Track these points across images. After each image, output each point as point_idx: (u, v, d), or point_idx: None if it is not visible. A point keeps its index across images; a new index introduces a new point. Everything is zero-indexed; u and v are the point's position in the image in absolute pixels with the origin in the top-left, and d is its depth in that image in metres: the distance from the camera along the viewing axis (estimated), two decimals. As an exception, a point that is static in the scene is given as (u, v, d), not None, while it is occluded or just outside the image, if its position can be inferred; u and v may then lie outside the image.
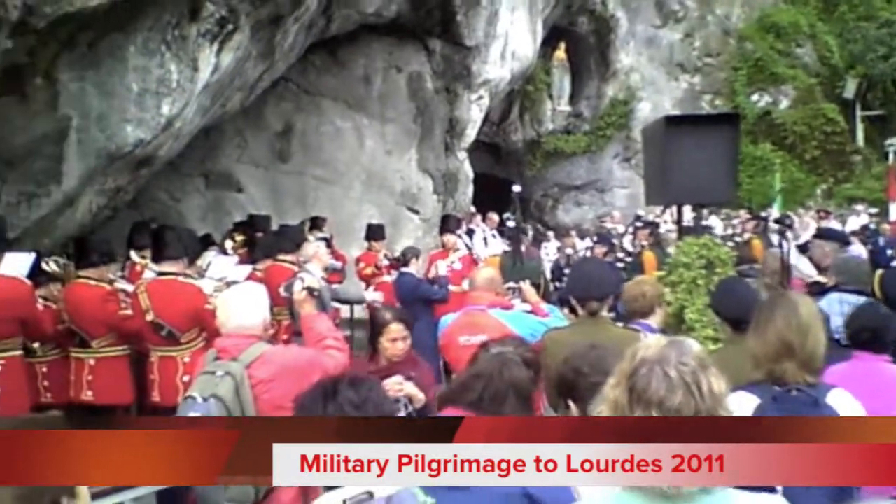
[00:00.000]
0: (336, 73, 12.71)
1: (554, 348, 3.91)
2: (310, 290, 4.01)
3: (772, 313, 2.86)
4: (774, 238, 9.17)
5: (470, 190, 14.23)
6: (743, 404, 2.65)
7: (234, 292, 3.66)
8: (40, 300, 5.92)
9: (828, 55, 19.92)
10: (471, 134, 14.10)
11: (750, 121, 18.01)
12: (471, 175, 14.26)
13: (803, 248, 6.75)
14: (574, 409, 2.71)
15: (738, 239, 10.41)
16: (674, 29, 19.76)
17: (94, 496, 1.81)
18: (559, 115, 18.81)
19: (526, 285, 5.28)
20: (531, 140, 18.71)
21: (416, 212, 13.19)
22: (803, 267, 6.33)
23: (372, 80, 12.92)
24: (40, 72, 6.44)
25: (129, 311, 5.80)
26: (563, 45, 18.44)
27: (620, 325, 4.34)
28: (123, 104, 6.90)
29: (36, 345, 5.88)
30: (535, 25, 15.18)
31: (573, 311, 4.49)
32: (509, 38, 13.90)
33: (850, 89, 19.70)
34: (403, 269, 8.40)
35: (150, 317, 5.44)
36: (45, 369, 6.03)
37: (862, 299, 4.43)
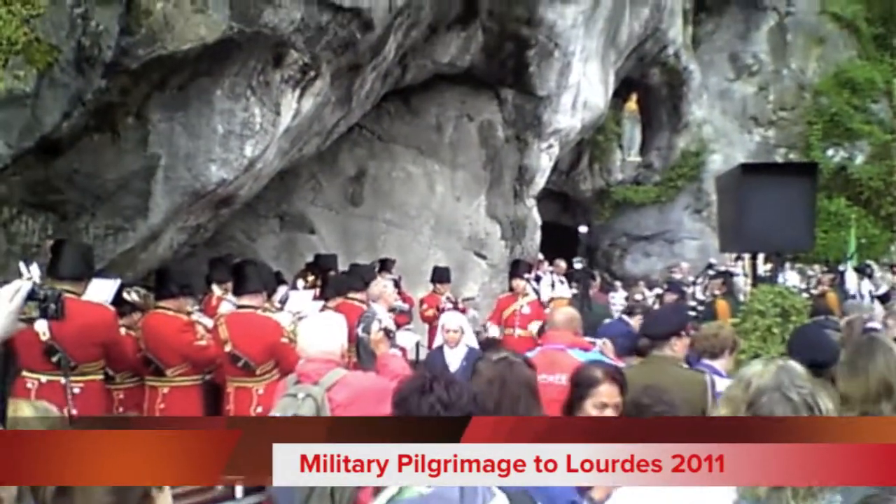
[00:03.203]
0: (409, 120, 12.99)
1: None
2: (386, 331, 4.15)
3: (872, 355, 2.84)
4: (851, 290, 8.99)
5: (538, 237, 14.27)
6: None
7: (314, 320, 3.78)
8: (123, 329, 6.15)
9: (903, 111, 19.55)
10: (540, 182, 14.20)
11: (825, 176, 17.66)
12: (539, 222, 14.32)
13: (884, 298, 6.61)
14: None
15: (813, 291, 10.21)
16: (747, 82, 19.63)
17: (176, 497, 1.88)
18: (629, 166, 18.76)
19: (608, 345, 5.28)
20: (600, 189, 18.67)
21: (484, 257, 13.28)
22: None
23: (444, 127, 13.15)
24: (132, 111, 6.75)
25: (203, 342, 5.96)
26: (634, 96, 18.46)
27: (686, 366, 4.31)
28: (209, 145, 7.17)
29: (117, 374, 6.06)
30: (607, 76, 15.28)
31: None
32: (581, 89, 14.02)
33: (925, 146, 19.24)
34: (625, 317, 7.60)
35: (227, 348, 5.59)
36: (121, 396, 6.18)
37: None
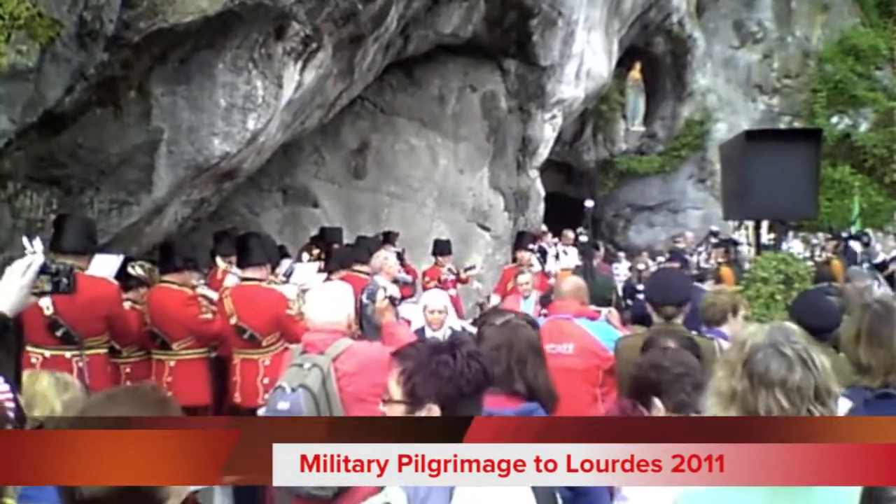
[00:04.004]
0: (412, 92, 12.94)
1: (626, 353, 3.95)
2: (391, 299, 4.16)
3: (894, 324, 2.82)
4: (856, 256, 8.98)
5: (541, 208, 14.28)
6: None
7: (322, 290, 3.80)
8: (128, 303, 6.19)
9: (907, 78, 19.42)
10: (543, 153, 14.17)
11: (829, 143, 17.61)
12: (542, 193, 14.31)
13: (881, 267, 6.63)
14: (659, 404, 2.76)
15: (818, 258, 10.22)
16: (752, 50, 19.52)
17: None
18: (632, 136, 18.71)
19: (613, 313, 5.31)
20: (603, 160, 18.64)
21: (487, 229, 13.29)
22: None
23: (447, 99, 13.11)
24: (134, 85, 6.74)
25: (209, 315, 6.00)
26: (638, 66, 18.36)
27: (694, 333, 4.32)
28: (212, 118, 7.15)
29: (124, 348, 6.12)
30: (610, 45, 15.19)
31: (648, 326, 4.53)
32: (584, 58, 13.95)
33: (929, 112, 19.15)
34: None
35: (233, 320, 5.63)
36: (128, 370, 6.23)
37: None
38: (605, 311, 5.35)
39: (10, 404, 2.05)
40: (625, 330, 5.23)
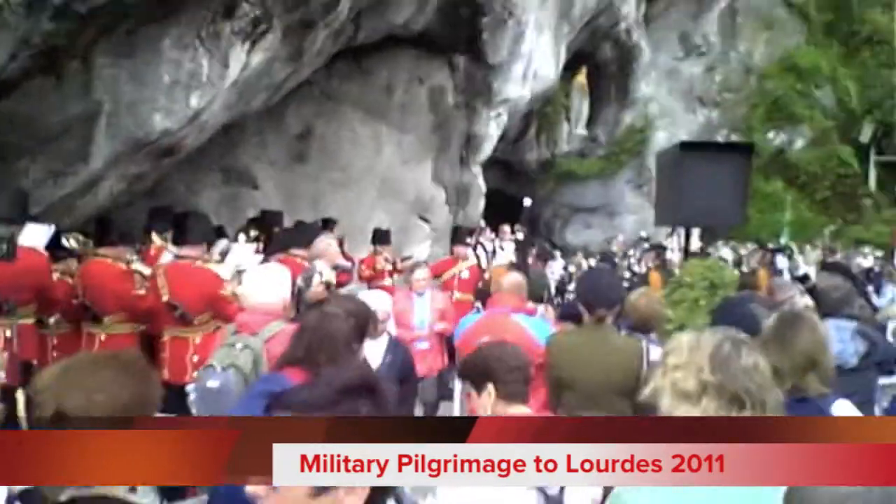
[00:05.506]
0: (359, 80, 12.90)
1: (556, 349, 4.06)
2: (327, 285, 4.19)
3: (797, 330, 2.98)
4: (781, 269, 9.30)
5: (481, 203, 14.39)
6: None
7: (259, 272, 3.81)
8: (57, 274, 6.10)
9: (846, 99, 20.07)
10: (486, 149, 14.29)
11: (764, 158, 18.15)
12: (483, 189, 14.43)
13: (803, 279, 6.89)
14: (492, 389, 2.92)
15: (744, 269, 10.54)
16: (695, 62, 19.97)
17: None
18: (575, 138, 18.99)
19: (549, 310, 5.42)
20: (545, 160, 18.87)
21: (427, 221, 13.36)
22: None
23: (394, 90, 13.12)
24: (78, 55, 6.63)
25: (142, 292, 5.96)
26: (584, 70, 18.64)
27: (624, 332, 4.46)
28: (154, 94, 7.09)
29: (51, 319, 6.04)
30: (558, 48, 15.39)
31: (577, 323, 4.64)
32: (532, 59, 14.11)
33: (866, 134, 19.86)
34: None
35: (165, 297, 5.59)
36: (55, 342, 6.17)
37: (853, 324, 4.59)
38: (541, 307, 5.48)
39: None
40: (557, 326, 5.35)
